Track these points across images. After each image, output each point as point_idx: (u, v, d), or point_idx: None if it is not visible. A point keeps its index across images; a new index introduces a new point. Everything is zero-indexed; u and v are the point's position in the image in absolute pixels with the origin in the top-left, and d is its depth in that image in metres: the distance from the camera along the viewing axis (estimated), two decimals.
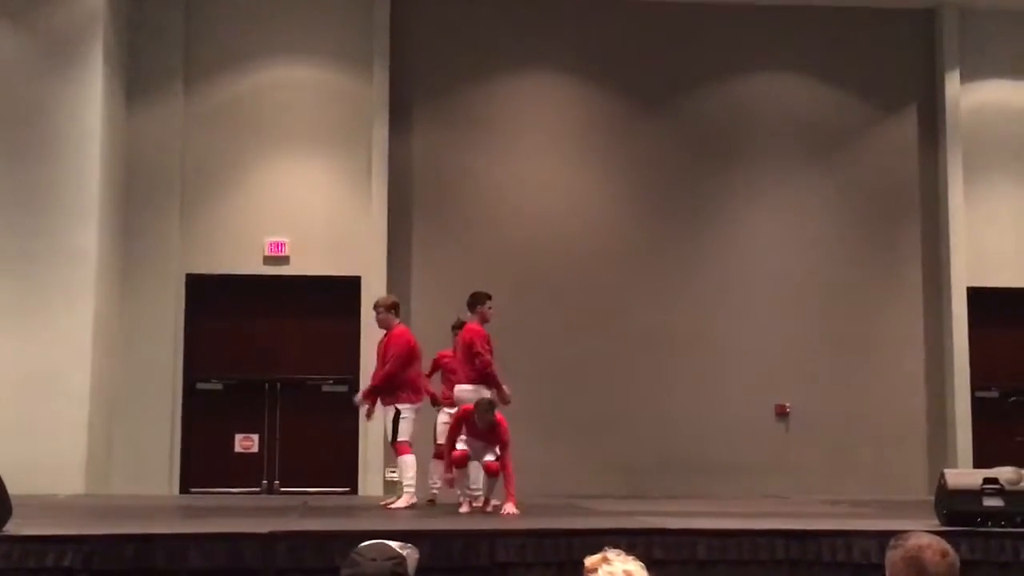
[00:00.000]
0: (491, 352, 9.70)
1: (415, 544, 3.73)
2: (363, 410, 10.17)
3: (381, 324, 9.99)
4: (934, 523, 7.23)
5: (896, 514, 8.79)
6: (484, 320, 9.85)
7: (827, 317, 14.18)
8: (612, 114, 14.34)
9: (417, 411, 9.74)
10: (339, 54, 13.84)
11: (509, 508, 8.94)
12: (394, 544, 3.36)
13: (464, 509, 9.27)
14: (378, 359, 9.96)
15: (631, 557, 3.26)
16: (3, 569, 6.30)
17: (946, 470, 7.78)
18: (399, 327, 9.88)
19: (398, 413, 9.59)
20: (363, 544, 3.28)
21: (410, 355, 9.70)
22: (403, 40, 13.95)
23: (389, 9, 13.80)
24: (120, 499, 11.28)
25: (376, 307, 10.07)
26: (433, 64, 14.10)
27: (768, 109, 14.47)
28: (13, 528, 6.69)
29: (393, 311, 9.92)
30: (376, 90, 13.68)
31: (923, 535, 3.30)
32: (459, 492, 9.54)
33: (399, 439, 9.61)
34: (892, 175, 14.60)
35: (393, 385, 9.65)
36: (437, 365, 10.80)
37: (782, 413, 13.99)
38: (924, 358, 14.30)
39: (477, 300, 9.92)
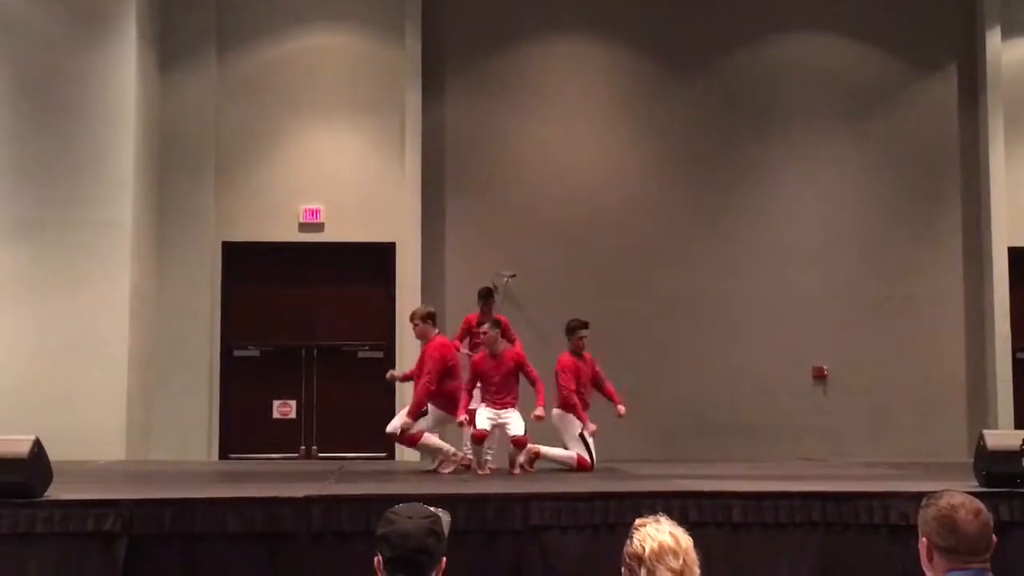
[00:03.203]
0: (576, 381, 9.90)
1: (450, 508, 3.76)
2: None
3: (419, 335, 9.79)
4: (973, 485, 7.14)
5: (934, 476, 8.70)
6: (576, 351, 10.03)
7: (865, 278, 14.04)
8: (646, 76, 14.21)
9: (444, 420, 9.69)
10: (371, 20, 13.79)
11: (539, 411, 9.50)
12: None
13: (483, 472, 9.42)
14: (417, 367, 9.82)
15: (683, 529, 3.29)
16: (44, 533, 6.40)
17: (985, 431, 7.69)
18: (437, 338, 9.67)
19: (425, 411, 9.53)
20: (398, 505, 3.31)
21: (446, 368, 9.49)
22: (435, 5, 13.88)
23: None
24: (159, 465, 11.41)
25: (412, 319, 9.84)
26: (465, 29, 14.02)
27: (804, 68, 14.28)
28: (54, 493, 6.78)
29: (430, 321, 9.71)
30: (408, 56, 13.64)
31: (956, 494, 3.27)
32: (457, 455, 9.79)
33: (413, 431, 9.43)
34: (931, 134, 14.38)
35: (432, 398, 9.53)
36: (467, 330, 10.75)
37: (820, 376, 13.91)
38: (964, 319, 14.14)
39: (571, 329, 10.07)
